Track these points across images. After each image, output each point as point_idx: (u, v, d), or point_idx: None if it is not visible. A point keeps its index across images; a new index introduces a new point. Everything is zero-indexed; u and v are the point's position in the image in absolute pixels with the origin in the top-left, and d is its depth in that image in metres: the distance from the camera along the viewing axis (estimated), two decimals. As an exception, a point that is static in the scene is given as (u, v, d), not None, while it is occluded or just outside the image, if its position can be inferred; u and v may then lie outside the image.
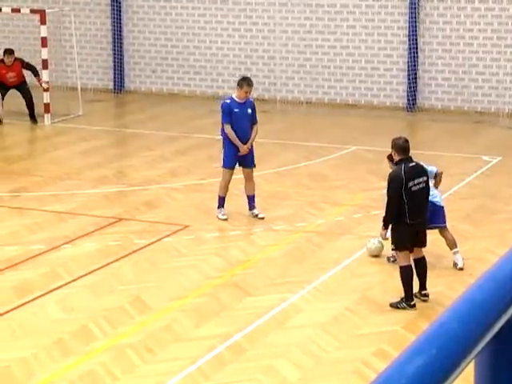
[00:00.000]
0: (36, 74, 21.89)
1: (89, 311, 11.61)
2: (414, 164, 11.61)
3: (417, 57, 23.43)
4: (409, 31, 23.31)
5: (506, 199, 16.17)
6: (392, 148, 11.78)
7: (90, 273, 12.88)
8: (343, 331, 11.04)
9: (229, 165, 14.94)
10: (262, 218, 15.01)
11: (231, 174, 14.97)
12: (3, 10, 23.71)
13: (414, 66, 23.48)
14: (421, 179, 11.53)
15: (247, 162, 15.03)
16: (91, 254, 13.63)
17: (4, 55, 21.64)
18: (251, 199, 15.11)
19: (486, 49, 22.90)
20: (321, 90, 24.47)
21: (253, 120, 15.07)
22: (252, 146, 15.02)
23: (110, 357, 10.36)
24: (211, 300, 12.00)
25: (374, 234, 13.23)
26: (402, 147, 11.65)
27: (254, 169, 15.20)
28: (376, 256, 13.29)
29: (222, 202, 14.98)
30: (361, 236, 14.21)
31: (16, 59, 21.68)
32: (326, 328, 11.09)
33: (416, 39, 23.27)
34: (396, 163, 11.70)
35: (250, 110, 15.01)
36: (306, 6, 24.19)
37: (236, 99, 14.98)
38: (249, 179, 15.08)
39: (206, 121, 21.82)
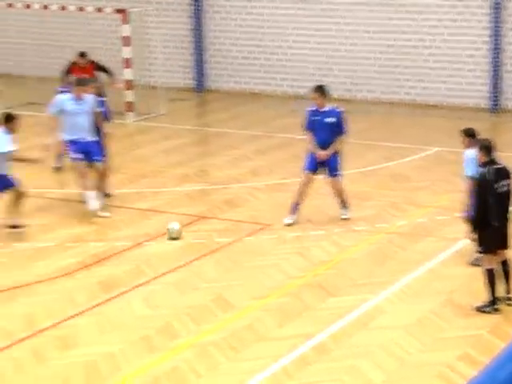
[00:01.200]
0: (110, 74, 22.03)
1: (173, 308, 11.71)
2: (499, 166, 11.52)
3: (500, 57, 23.19)
4: (491, 31, 23.07)
5: None
6: (479, 150, 11.68)
7: (173, 270, 13.01)
8: (427, 334, 10.95)
9: (307, 168, 14.94)
10: (346, 219, 15.03)
11: (309, 179, 14.94)
12: (87, 9, 23.99)
13: (497, 66, 23.24)
14: (506, 181, 11.43)
15: (328, 170, 15.01)
16: (174, 251, 13.76)
17: (78, 57, 21.86)
18: (341, 202, 15.19)
19: None
20: (402, 91, 24.34)
21: (335, 130, 15.00)
22: (335, 156, 14.99)
23: (193, 354, 10.42)
24: (294, 300, 12.00)
25: (459, 236, 13.16)
26: (488, 149, 11.58)
27: (336, 179, 15.03)
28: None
29: (293, 208, 14.97)
30: (445, 238, 14.12)
31: (89, 61, 21.88)
32: (410, 330, 11.01)
33: (499, 39, 23.03)
34: (482, 165, 11.60)
35: (330, 120, 14.95)
36: (389, 6, 24.07)
37: (317, 107, 15.01)
38: (332, 187, 15.11)
39: (288, 120, 21.87)
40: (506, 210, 11.49)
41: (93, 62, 21.97)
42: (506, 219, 11.45)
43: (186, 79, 26.46)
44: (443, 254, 13.52)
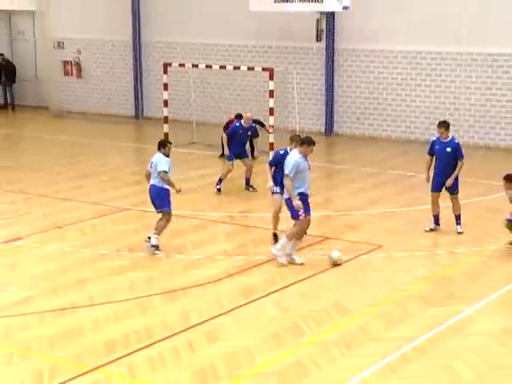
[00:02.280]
0: (262, 125, 22.18)
1: (299, 311, 11.66)
2: None
3: None
4: None
5: None
6: None
7: (300, 281, 12.96)
8: (511, 340, 10.66)
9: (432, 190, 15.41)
10: (461, 233, 15.29)
11: (435, 197, 15.35)
12: (241, 68, 24.24)
13: None
14: None
15: (449, 189, 15.35)
16: (303, 265, 13.70)
17: (235, 118, 21.96)
18: (457, 218, 15.45)
19: None
20: (498, 137, 23.81)
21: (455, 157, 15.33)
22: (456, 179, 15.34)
23: (315, 350, 10.37)
24: (399, 308, 11.84)
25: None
26: None
27: (456, 196, 15.39)
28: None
29: (435, 219, 15.46)
30: (529, 261, 13.77)
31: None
32: (498, 337, 10.74)
33: None
34: None
35: (449, 149, 15.21)
36: (488, 67, 23.64)
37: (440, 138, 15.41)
38: (453, 204, 15.41)
39: (399, 160, 21.64)
40: None
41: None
42: None
43: (318, 125, 26.48)
44: (528, 275, 13.17)
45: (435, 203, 15.45)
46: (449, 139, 15.32)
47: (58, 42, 31.02)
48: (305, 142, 13.77)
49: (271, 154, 20.23)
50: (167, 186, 14.27)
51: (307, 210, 13.60)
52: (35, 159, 22.77)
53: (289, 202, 13.57)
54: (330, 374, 9.70)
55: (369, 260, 14.01)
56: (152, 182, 14.32)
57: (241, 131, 18.86)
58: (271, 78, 22.56)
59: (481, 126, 24.06)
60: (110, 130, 27.46)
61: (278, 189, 14.60)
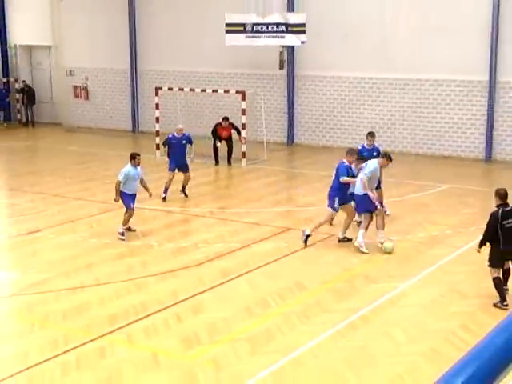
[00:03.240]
0: (239, 133, 22.19)
1: (267, 289, 11.63)
2: (510, 208, 10.90)
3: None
4: None
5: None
6: (494, 195, 11.10)
7: (268, 263, 12.93)
8: (437, 310, 10.70)
9: None
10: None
11: None
12: (219, 91, 24.19)
13: None
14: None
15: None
16: (269, 251, 13.67)
17: (222, 120, 22.08)
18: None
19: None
20: (425, 146, 23.90)
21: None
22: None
23: (280, 319, 10.36)
24: (347, 285, 11.85)
25: (461, 244, 12.78)
26: (502, 196, 10.94)
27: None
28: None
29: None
30: (451, 246, 13.81)
31: (230, 123, 22.04)
32: (427, 307, 10.79)
33: None
34: (496, 206, 11.04)
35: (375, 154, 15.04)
36: (417, 90, 23.72)
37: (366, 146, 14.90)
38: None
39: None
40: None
41: (231, 123, 22.07)
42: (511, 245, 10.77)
43: (282, 137, 26.44)
44: (450, 256, 13.20)
45: None
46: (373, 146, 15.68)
47: (70, 71, 30.75)
48: (385, 156, 13.91)
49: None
50: (125, 191, 14.32)
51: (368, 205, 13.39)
52: (51, 166, 22.55)
53: (363, 198, 13.37)
54: (291, 339, 9.71)
55: (323, 246, 13.99)
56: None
57: (174, 141, 17.90)
58: (243, 99, 22.52)
59: (412, 137, 24.17)
60: (112, 141, 27.26)
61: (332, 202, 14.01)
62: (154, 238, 14.49)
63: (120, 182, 14.26)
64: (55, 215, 16.40)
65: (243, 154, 22.15)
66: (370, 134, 16.16)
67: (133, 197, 14.45)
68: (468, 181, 19.59)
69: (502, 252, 10.75)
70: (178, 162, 17.75)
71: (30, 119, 31.57)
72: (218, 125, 22.11)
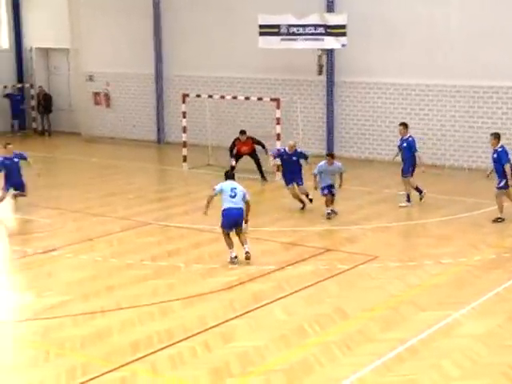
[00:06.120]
0: (263, 147, 22.16)
1: (304, 315, 11.59)
2: None
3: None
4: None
5: None
6: None
7: (305, 288, 12.89)
8: (494, 341, 10.56)
9: None
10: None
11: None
12: (251, 98, 24.25)
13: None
14: None
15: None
16: (306, 273, 13.64)
17: (240, 134, 22.15)
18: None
19: None
20: (479, 160, 23.70)
21: None
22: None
23: (318, 350, 10.30)
24: (393, 312, 11.75)
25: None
26: None
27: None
28: None
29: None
30: (509, 271, 13.64)
31: (248, 137, 22.10)
32: (481, 338, 10.65)
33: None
34: None
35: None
36: (470, 98, 23.56)
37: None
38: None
39: (391, 180, 21.46)
40: None
41: (251, 137, 22.17)
42: None
43: (320, 148, 26.37)
44: (509, 282, 13.03)
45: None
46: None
47: (90, 76, 31.11)
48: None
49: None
50: None
51: None
52: (69, 179, 22.80)
53: None
54: (331, 372, 9.64)
55: (366, 269, 13.92)
56: None
57: (285, 157, 19.06)
58: (278, 107, 22.57)
59: (464, 150, 23.97)
60: (135, 153, 27.49)
61: None
62: (180, 258, 14.53)
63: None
64: (73, 232, 16.55)
65: (278, 167, 22.10)
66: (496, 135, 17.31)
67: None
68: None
69: None
70: (288, 177, 18.85)
71: (46, 128, 32.01)
72: (236, 140, 22.14)
